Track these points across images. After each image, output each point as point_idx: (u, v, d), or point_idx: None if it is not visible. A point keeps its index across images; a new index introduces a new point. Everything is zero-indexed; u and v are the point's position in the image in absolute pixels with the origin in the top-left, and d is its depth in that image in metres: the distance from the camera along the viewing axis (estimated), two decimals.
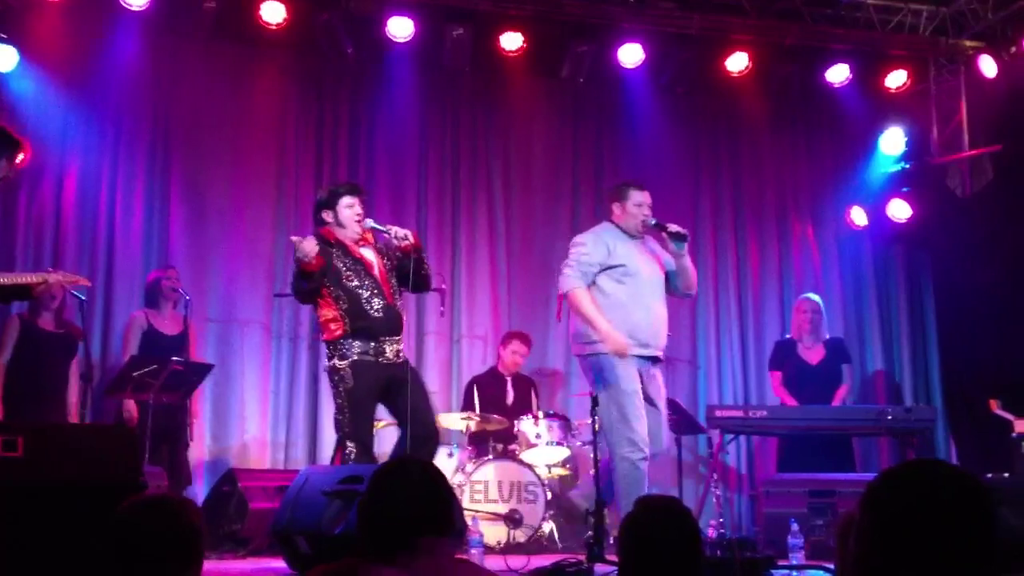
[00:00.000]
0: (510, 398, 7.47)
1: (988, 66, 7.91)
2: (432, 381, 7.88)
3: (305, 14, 7.48)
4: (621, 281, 5.41)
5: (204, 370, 6.53)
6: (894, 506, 1.59)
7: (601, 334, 5.29)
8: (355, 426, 5.03)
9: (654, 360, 5.48)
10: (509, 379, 7.54)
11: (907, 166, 8.56)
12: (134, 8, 7.14)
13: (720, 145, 8.87)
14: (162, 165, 7.69)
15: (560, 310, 7.34)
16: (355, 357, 5.07)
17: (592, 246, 5.48)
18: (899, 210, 8.43)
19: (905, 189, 8.46)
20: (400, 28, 7.53)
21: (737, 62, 8.07)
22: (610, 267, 5.42)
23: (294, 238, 5.11)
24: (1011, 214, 7.96)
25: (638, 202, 5.53)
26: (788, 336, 7.70)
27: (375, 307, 5.13)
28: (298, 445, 7.63)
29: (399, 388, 5.15)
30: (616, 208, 5.62)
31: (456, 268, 8.14)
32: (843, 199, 8.74)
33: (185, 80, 7.80)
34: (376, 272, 5.23)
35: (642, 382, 5.39)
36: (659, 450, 5.52)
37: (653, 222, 5.54)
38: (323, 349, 5.41)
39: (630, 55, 7.90)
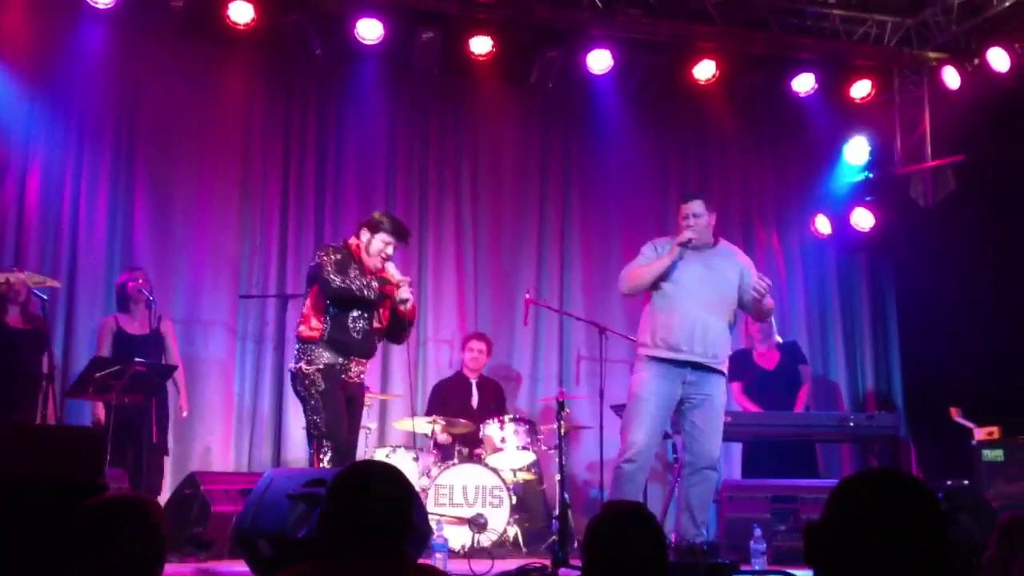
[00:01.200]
0: (475, 401, 7.46)
1: (951, 77, 8.01)
2: (397, 384, 7.87)
3: (273, 14, 7.44)
4: (659, 287, 5.51)
5: (167, 371, 6.48)
6: (854, 512, 1.64)
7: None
8: (331, 427, 5.08)
9: (695, 367, 5.42)
10: (474, 382, 7.53)
11: (871, 175, 8.65)
12: (100, 6, 7.07)
13: (687, 152, 8.92)
14: (127, 164, 7.62)
15: (527, 314, 7.39)
16: (323, 365, 5.15)
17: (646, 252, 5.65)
18: (863, 219, 8.51)
19: (869, 198, 8.55)
20: (369, 30, 7.51)
21: (704, 70, 8.12)
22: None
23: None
24: (973, 224, 8.07)
25: (683, 214, 5.58)
26: (741, 347, 7.72)
27: (357, 328, 5.22)
28: (262, 447, 7.58)
29: (351, 407, 5.27)
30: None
31: (423, 271, 8.12)
32: (808, 207, 8.82)
33: (151, 79, 7.73)
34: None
35: (682, 390, 5.40)
36: (702, 464, 5.43)
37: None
38: (291, 348, 5.42)
39: (598, 61, 7.93)
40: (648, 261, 5.56)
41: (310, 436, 5.19)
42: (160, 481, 6.67)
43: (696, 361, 5.39)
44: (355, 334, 5.21)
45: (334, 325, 5.17)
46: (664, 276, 5.48)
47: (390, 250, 5.34)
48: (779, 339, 7.55)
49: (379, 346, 7.68)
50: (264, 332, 7.69)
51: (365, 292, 5.17)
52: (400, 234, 5.39)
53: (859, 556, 1.60)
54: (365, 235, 5.33)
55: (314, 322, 5.20)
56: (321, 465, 5.00)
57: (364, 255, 5.31)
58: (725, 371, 5.54)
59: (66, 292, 7.27)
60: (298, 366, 5.19)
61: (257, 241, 7.81)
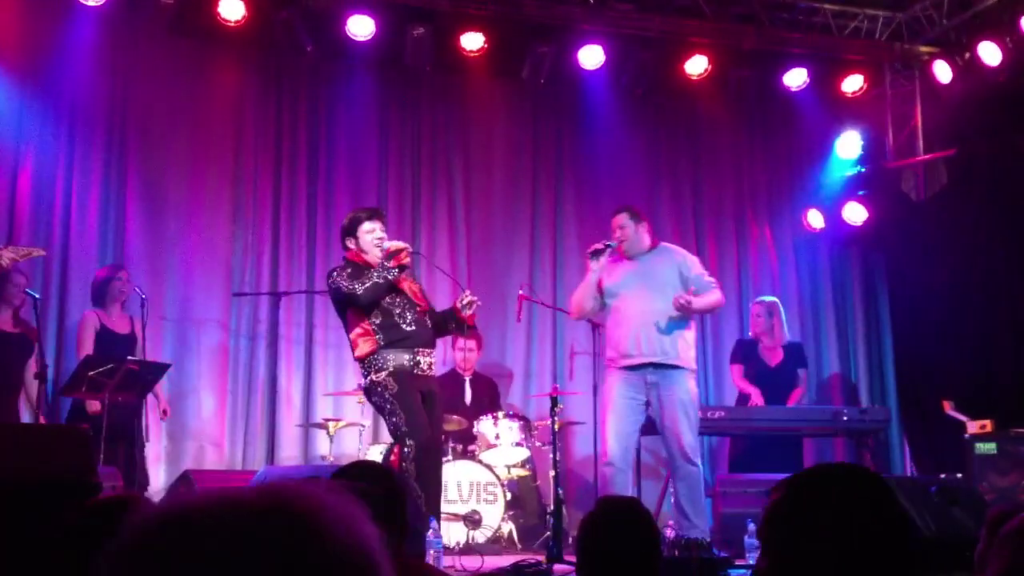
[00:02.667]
0: (468, 398, 7.46)
1: (943, 71, 8.03)
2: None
3: (264, 11, 7.43)
4: (607, 304, 5.91)
5: (160, 369, 6.47)
6: (804, 509, 1.59)
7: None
8: (412, 424, 5.07)
9: (655, 366, 5.66)
10: (467, 379, 7.53)
11: (863, 170, 8.66)
12: (91, 4, 7.05)
13: (679, 147, 8.92)
14: (118, 162, 7.60)
15: (520, 311, 7.39)
16: (392, 368, 5.13)
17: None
18: (855, 213, 8.53)
19: (861, 192, 8.56)
20: (360, 27, 7.50)
21: (696, 65, 8.13)
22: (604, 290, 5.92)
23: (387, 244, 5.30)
24: (964, 218, 8.09)
25: (612, 228, 6.00)
26: (749, 335, 7.77)
27: (407, 320, 5.21)
28: (256, 445, 7.56)
29: (431, 401, 5.26)
30: None
31: (415, 267, 8.10)
32: (800, 202, 8.84)
33: (142, 76, 7.71)
34: (406, 288, 5.31)
35: (646, 391, 5.67)
36: (627, 462, 5.72)
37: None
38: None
39: (590, 57, 7.93)
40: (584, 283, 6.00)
41: (393, 438, 5.24)
42: (146, 475, 6.67)
43: (650, 362, 5.65)
44: (407, 327, 5.20)
45: (385, 331, 5.16)
46: (607, 292, 5.84)
47: (379, 233, 5.34)
48: (787, 336, 7.59)
49: None
50: (257, 329, 7.68)
51: (386, 275, 5.14)
52: (374, 214, 5.44)
53: (812, 556, 1.56)
54: (351, 243, 5.35)
55: (363, 342, 5.19)
56: (404, 465, 5.01)
57: (365, 256, 5.32)
58: (687, 366, 5.74)
59: (58, 289, 7.25)
60: (369, 379, 5.19)
61: (249, 238, 7.80)
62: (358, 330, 5.22)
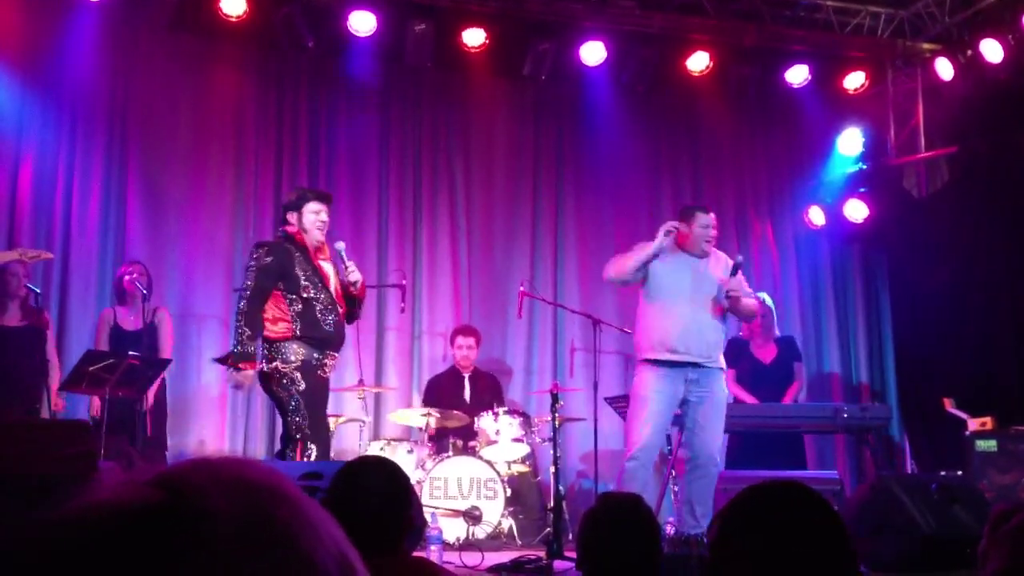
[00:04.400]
0: (468, 395, 7.46)
1: (944, 69, 8.02)
2: (392, 377, 7.88)
3: (266, 7, 7.42)
4: (654, 289, 5.74)
5: (161, 365, 6.46)
6: (741, 528, 1.58)
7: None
8: (315, 428, 5.00)
9: (696, 366, 5.62)
10: (467, 376, 7.53)
11: (864, 167, 8.66)
12: None
13: (680, 144, 8.92)
14: (119, 158, 7.60)
15: (521, 307, 7.39)
16: (299, 362, 5.02)
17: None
18: (856, 210, 8.52)
19: (862, 189, 8.56)
20: (362, 23, 7.49)
21: (698, 62, 8.12)
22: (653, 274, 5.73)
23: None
24: (966, 215, 8.09)
25: (705, 224, 5.82)
26: (739, 334, 7.74)
27: (327, 321, 5.12)
28: (256, 440, 7.58)
29: (323, 404, 5.21)
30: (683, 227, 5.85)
31: (417, 264, 8.12)
32: (801, 199, 8.83)
33: (144, 72, 7.71)
34: (332, 287, 5.24)
35: (684, 388, 5.60)
36: (702, 460, 5.62)
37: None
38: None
39: (591, 53, 7.93)
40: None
41: (291, 438, 5.06)
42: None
43: (694, 361, 5.59)
44: (327, 327, 5.10)
45: (304, 323, 5.05)
46: (657, 277, 5.68)
47: (324, 216, 5.26)
48: (777, 332, 7.57)
49: (373, 339, 7.81)
50: None
51: (246, 351, 4.97)
52: (321, 197, 5.36)
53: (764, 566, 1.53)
54: (292, 218, 5.23)
55: (279, 324, 5.06)
56: None
57: (306, 237, 5.21)
58: (724, 367, 5.79)
59: (59, 285, 7.25)
60: (272, 366, 5.02)
61: (250, 234, 7.79)
62: (277, 311, 5.06)
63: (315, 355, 5.07)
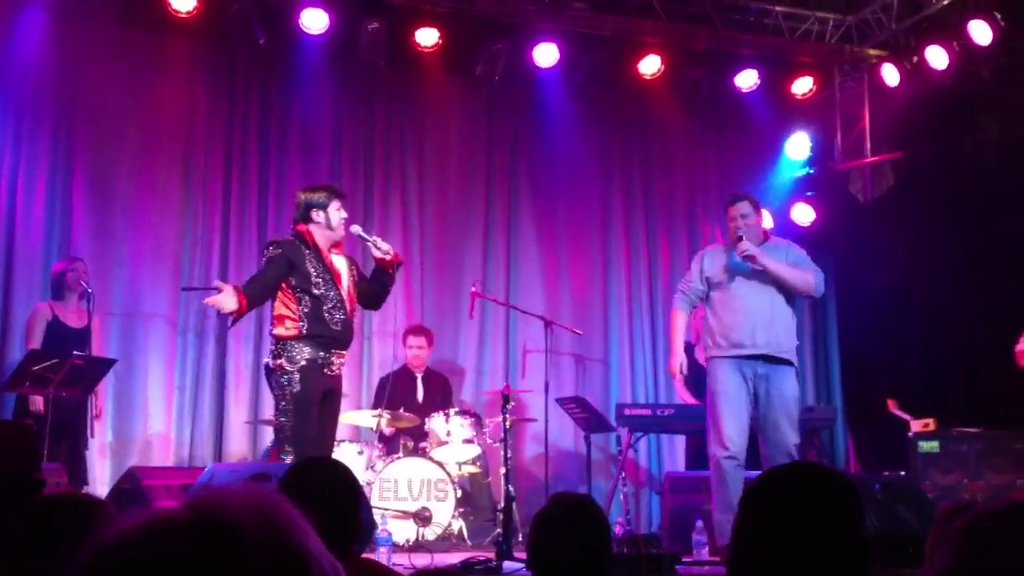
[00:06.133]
0: (420, 395, 7.45)
1: (890, 74, 8.15)
2: (343, 377, 7.82)
3: (216, 2, 7.35)
4: (714, 290, 5.72)
5: (106, 365, 6.37)
6: (770, 505, 1.65)
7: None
8: (297, 432, 5.00)
9: (766, 359, 5.54)
10: (419, 376, 7.52)
11: (811, 171, 8.77)
12: None
13: (632, 145, 8.96)
14: (65, 153, 7.48)
15: (472, 307, 7.39)
16: (304, 363, 5.04)
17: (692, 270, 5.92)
18: (803, 214, 8.62)
19: (809, 193, 8.66)
20: (314, 20, 7.44)
21: (649, 65, 8.18)
22: (708, 280, 5.76)
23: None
24: (909, 219, 8.22)
25: (732, 216, 5.75)
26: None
27: (335, 319, 5.13)
28: (203, 442, 7.49)
29: (329, 400, 5.20)
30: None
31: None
32: None
33: (91, 66, 7.59)
34: (343, 285, 5.24)
35: (753, 383, 5.52)
36: (780, 457, 5.41)
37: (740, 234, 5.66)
38: (267, 343, 5.36)
39: (544, 54, 7.95)
40: (688, 289, 5.82)
41: (276, 434, 5.16)
42: (86, 472, 6.57)
43: (763, 354, 5.51)
44: (334, 326, 5.12)
45: (311, 322, 5.06)
46: (712, 281, 5.69)
47: (344, 212, 5.31)
48: None
49: None
50: (205, 325, 7.59)
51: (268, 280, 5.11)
52: (343, 194, 5.42)
53: (776, 550, 1.61)
54: (318, 216, 5.23)
55: (287, 323, 5.08)
56: None
57: (319, 235, 5.21)
58: (794, 362, 5.64)
59: (3, 284, 7.12)
60: (278, 362, 5.06)
61: (199, 233, 7.71)
62: (285, 310, 5.11)
63: (321, 354, 5.09)
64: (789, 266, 5.63)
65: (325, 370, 5.11)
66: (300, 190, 5.55)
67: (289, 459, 4.90)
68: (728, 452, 5.42)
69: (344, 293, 5.21)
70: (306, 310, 5.08)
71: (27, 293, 7.13)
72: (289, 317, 5.08)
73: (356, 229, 5.43)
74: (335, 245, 5.30)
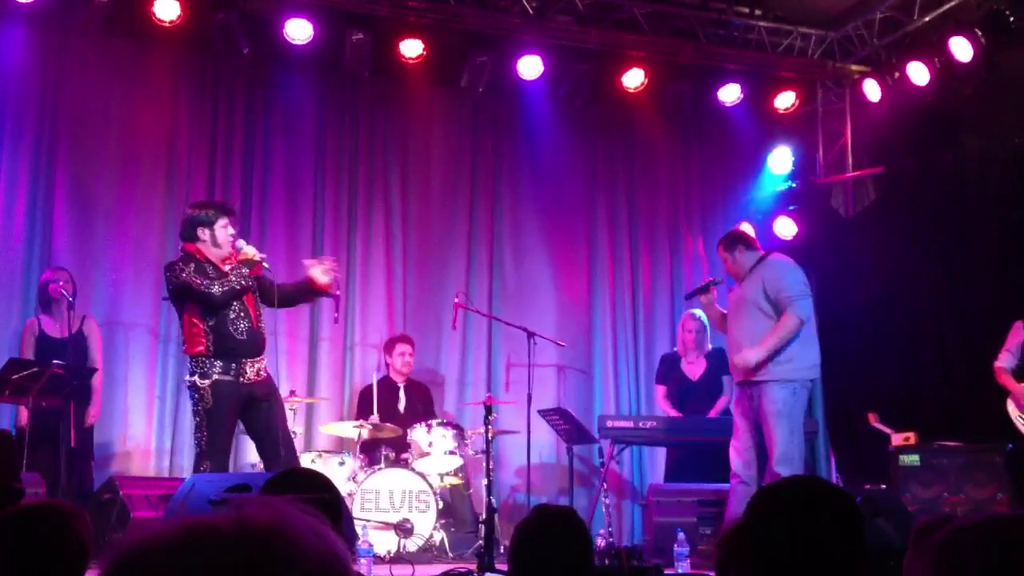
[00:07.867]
0: (402, 406, 7.43)
1: (872, 90, 8.22)
2: (324, 388, 7.81)
3: (200, 12, 7.33)
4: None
5: (86, 374, 6.33)
6: (773, 518, 1.67)
7: None
8: (212, 446, 5.08)
9: (750, 383, 5.81)
10: (402, 386, 7.50)
11: (793, 185, 8.82)
12: (22, 1, 6.90)
13: (616, 159, 8.98)
14: (47, 163, 7.44)
15: (455, 318, 7.38)
16: (216, 377, 5.11)
17: None
18: (785, 228, 8.67)
19: (791, 207, 8.71)
20: (298, 31, 7.44)
21: (633, 78, 8.21)
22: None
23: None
24: (891, 234, 8.27)
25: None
26: (674, 350, 7.82)
27: (240, 329, 5.17)
28: (183, 452, 7.42)
29: (256, 404, 5.23)
30: None
31: (351, 275, 8.06)
32: (733, 215, 8.94)
33: (74, 76, 7.56)
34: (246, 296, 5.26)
35: (747, 406, 5.86)
36: (749, 475, 5.78)
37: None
38: (186, 361, 5.37)
39: (529, 67, 7.97)
40: None
41: (195, 448, 5.22)
42: (91, 487, 6.51)
43: (744, 379, 5.83)
44: (239, 336, 5.16)
45: (216, 336, 5.12)
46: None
47: (231, 228, 5.32)
48: (709, 346, 7.63)
49: (305, 350, 7.74)
50: None
51: (243, 283, 5.17)
52: (230, 211, 5.43)
53: (779, 560, 1.63)
54: (205, 233, 5.25)
55: (195, 341, 5.15)
56: None
57: (211, 250, 5.25)
58: (772, 379, 5.76)
59: None
60: (192, 379, 5.16)
61: (181, 243, 7.67)
62: (192, 328, 5.16)
63: (233, 365, 5.14)
64: (767, 319, 5.84)
65: (240, 379, 5.14)
66: (188, 206, 5.58)
67: (207, 471, 4.94)
68: (732, 473, 5.82)
69: (246, 303, 5.24)
70: (211, 323, 5.13)
71: (7, 301, 7.09)
72: (197, 335, 5.14)
73: (242, 244, 5.40)
74: (229, 259, 5.31)
